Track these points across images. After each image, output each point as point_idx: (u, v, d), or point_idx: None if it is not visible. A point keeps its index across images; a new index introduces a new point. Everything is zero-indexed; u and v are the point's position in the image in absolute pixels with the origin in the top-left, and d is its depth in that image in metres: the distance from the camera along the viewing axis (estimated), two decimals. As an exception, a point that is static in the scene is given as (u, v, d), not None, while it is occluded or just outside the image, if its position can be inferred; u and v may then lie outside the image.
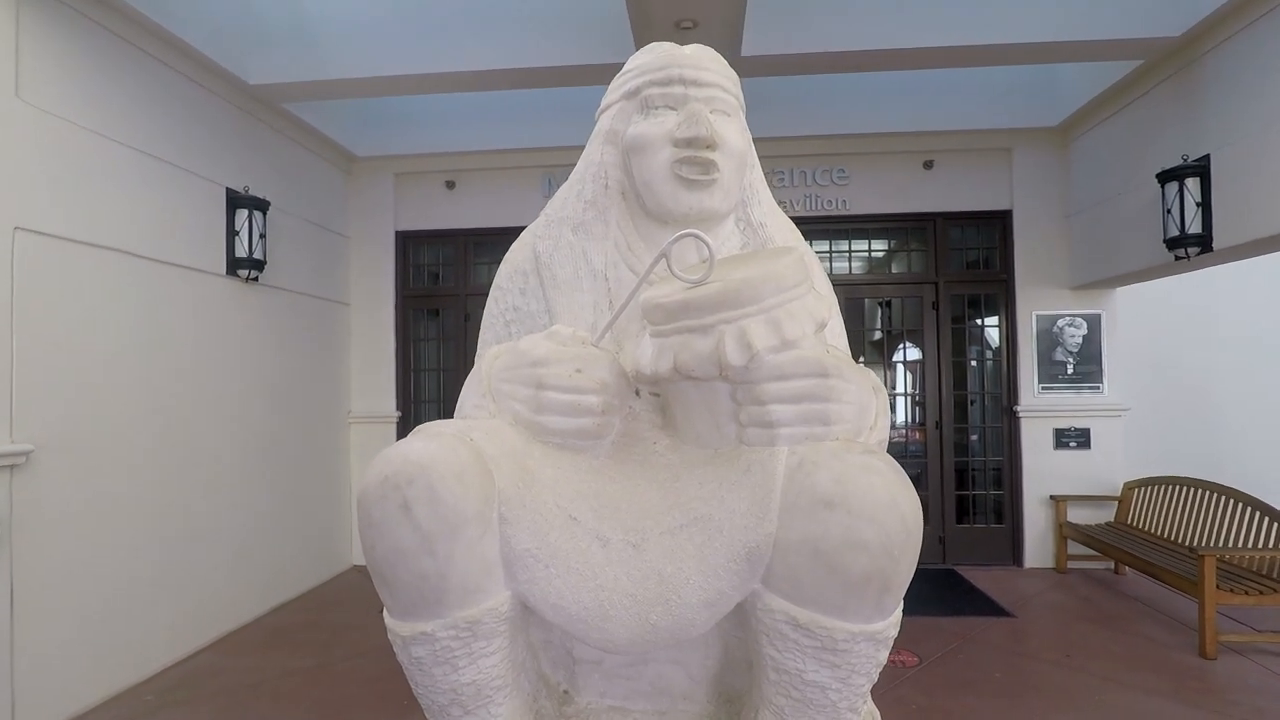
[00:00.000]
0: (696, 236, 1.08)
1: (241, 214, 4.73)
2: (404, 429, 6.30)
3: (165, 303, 4.15)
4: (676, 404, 1.19)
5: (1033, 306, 5.80)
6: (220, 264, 4.63)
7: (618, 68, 4.66)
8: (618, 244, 1.38)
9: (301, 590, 5.45)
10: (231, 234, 4.71)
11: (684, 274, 1.11)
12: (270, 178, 5.15)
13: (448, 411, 5.99)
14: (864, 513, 0.94)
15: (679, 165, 1.28)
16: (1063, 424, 5.76)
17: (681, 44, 4.17)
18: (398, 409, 6.27)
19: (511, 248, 1.50)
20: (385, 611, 1.12)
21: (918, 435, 6.13)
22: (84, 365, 3.58)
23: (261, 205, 4.85)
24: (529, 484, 1.09)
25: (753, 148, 1.45)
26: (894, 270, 6.33)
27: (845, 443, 1.05)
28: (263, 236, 4.84)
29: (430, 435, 1.07)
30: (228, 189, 4.70)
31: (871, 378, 1.20)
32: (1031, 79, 5.58)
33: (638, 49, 4.30)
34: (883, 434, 1.18)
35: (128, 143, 3.88)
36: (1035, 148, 5.82)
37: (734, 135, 1.33)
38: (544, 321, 1.38)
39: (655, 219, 1.35)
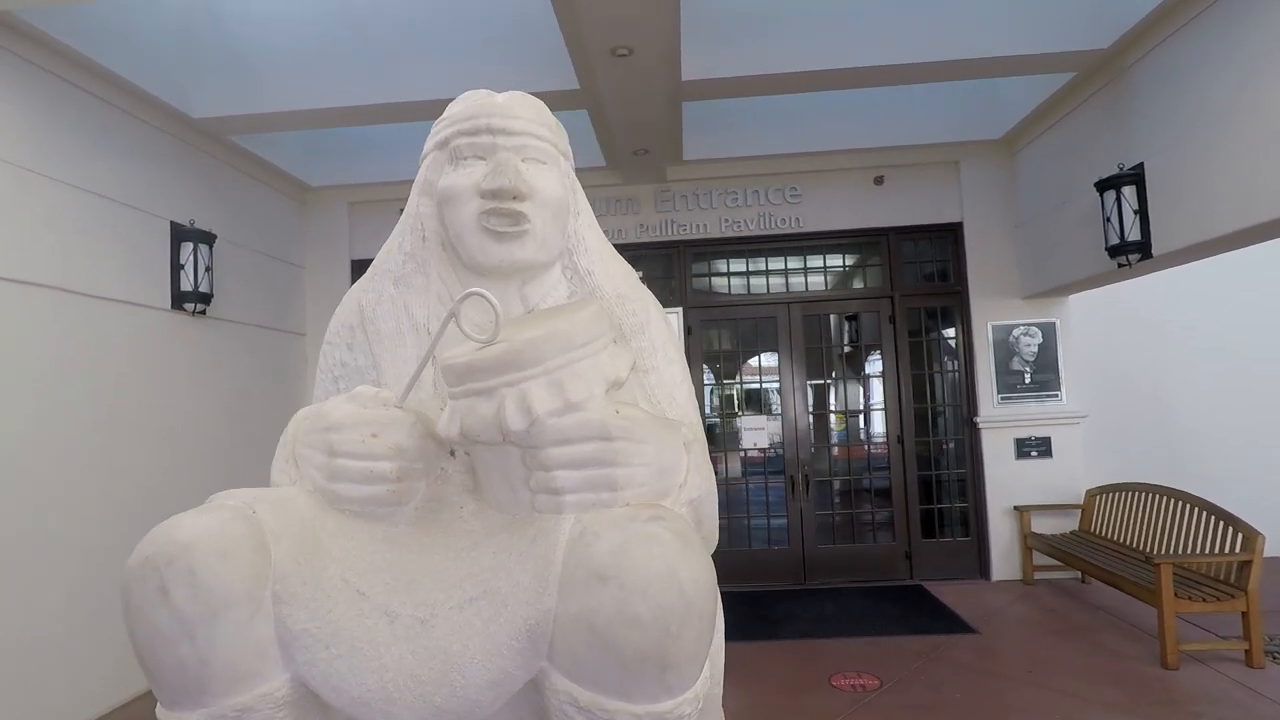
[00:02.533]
0: (482, 295, 1.04)
1: (187, 247, 4.68)
2: (364, 461, 6.20)
3: (105, 339, 4.09)
4: (478, 468, 1.16)
5: (987, 317, 5.82)
6: (165, 298, 4.57)
7: (561, 94, 4.68)
8: (440, 296, 1.35)
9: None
10: (177, 268, 4.66)
11: (474, 333, 1.08)
12: (219, 210, 5.11)
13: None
14: (637, 586, 0.89)
15: (485, 217, 1.25)
16: (1023, 433, 5.75)
17: (616, 70, 4.18)
18: (357, 441, 6.18)
19: (341, 301, 1.47)
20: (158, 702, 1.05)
21: (883, 449, 6.11)
22: (16, 404, 3.51)
23: (208, 238, 4.81)
24: (312, 557, 1.04)
25: (578, 194, 1.41)
26: (849, 286, 6.34)
27: (635, 508, 1.01)
28: (209, 269, 4.79)
29: (206, 509, 1.03)
30: (172, 223, 4.66)
31: (683, 434, 1.14)
32: (975, 93, 5.65)
33: (578, 77, 4.34)
34: (695, 492, 1.13)
35: (63, 179, 3.84)
36: (982, 160, 5.89)
37: (548, 184, 1.29)
38: (373, 376, 1.35)
39: (472, 271, 1.31)
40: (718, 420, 6.49)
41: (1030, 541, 5.55)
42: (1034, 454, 5.73)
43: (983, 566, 5.85)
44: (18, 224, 3.58)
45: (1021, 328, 5.79)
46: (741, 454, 6.19)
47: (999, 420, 5.77)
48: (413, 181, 5.44)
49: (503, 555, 1.04)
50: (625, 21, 3.61)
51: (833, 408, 6.31)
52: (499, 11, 4.51)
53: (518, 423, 1.00)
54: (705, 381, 6.25)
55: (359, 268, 6.34)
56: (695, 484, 1.13)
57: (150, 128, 4.52)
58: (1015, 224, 5.84)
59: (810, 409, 6.16)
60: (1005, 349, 5.79)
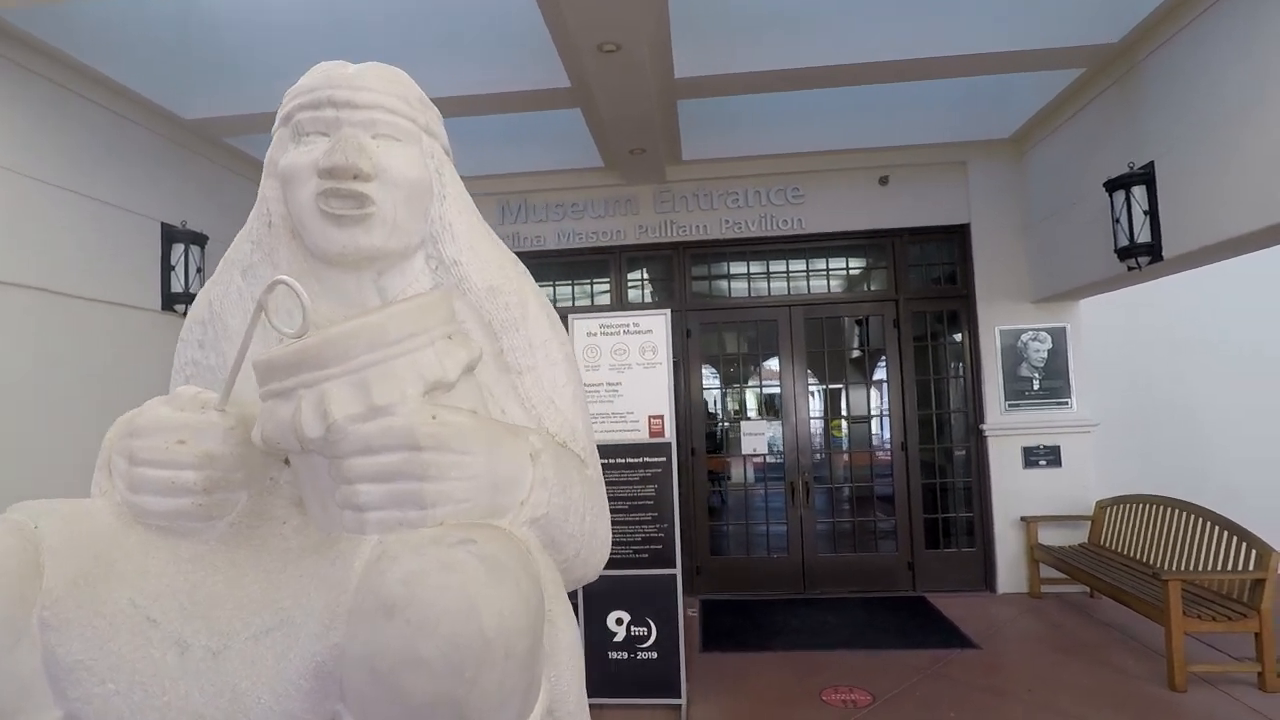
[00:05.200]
0: (287, 284, 0.93)
1: (178, 249, 4.67)
2: (360, 463, 6.17)
3: (92, 340, 4.09)
4: (296, 479, 1.04)
5: (995, 321, 5.65)
6: (155, 300, 4.56)
7: (552, 93, 4.57)
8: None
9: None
10: (167, 269, 4.65)
11: (283, 327, 0.97)
12: (213, 212, 5.10)
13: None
14: (427, 623, 0.76)
15: (323, 198, 1.10)
16: (1031, 442, 5.57)
17: (605, 67, 4.07)
18: (354, 442, 6.15)
19: (196, 296, 1.37)
20: None
21: (887, 456, 5.96)
22: (3, 405, 3.54)
23: (199, 239, 4.79)
24: (96, 580, 0.93)
25: (445, 176, 1.26)
26: (853, 289, 6.19)
27: (446, 529, 0.88)
28: (200, 270, 4.77)
29: None
30: (163, 224, 4.65)
31: (529, 443, 1.03)
32: (983, 91, 5.48)
33: (568, 74, 4.25)
34: (541, 509, 1.01)
35: (51, 181, 3.84)
36: (990, 160, 5.71)
37: (401, 163, 1.15)
38: (223, 376, 1.22)
39: (320, 260, 1.17)
40: (717, 426, 6.39)
41: (1037, 554, 5.37)
42: (1042, 463, 5.55)
43: (988, 579, 5.67)
44: (4, 226, 3.58)
45: (1030, 332, 5.61)
46: (741, 460, 6.07)
47: (1006, 428, 5.60)
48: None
49: (306, 579, 0.93)
50: (610, 17, 3.52)
51: (835, 413, 6.16)
52: (486, 9, 4.43)
53: (313, 428, 0.88)
54: (705, 386, 6.14)
55: (357, 269, 6.30)
56: (542, 500, 1.01)
57: (140, 129, 4.51)
58: (1024, 225, 5.66)
59: (812, 414, 6.02)
60: (1013, 354, 5.62)
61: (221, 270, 1.26)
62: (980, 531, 5.74)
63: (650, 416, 3.86)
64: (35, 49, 3.75)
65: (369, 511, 0.91)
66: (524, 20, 4.27)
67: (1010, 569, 5.57)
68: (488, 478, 0.94)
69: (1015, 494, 5.57)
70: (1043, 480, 5.55)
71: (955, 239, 5.90)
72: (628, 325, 3.87)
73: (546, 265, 6.21)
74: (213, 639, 0.90)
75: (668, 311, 3.89)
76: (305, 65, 4.42)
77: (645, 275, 6.28)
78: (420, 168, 1.19)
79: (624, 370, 3.86)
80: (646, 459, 3.84)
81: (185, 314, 4.67)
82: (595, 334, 3.88)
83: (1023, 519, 5.51)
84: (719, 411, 6.40)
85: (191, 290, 4.70)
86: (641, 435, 3.85)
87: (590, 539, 1.15)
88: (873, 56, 4.35)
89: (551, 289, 6.32)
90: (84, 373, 4.01)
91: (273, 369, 0.93)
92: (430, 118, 1.26)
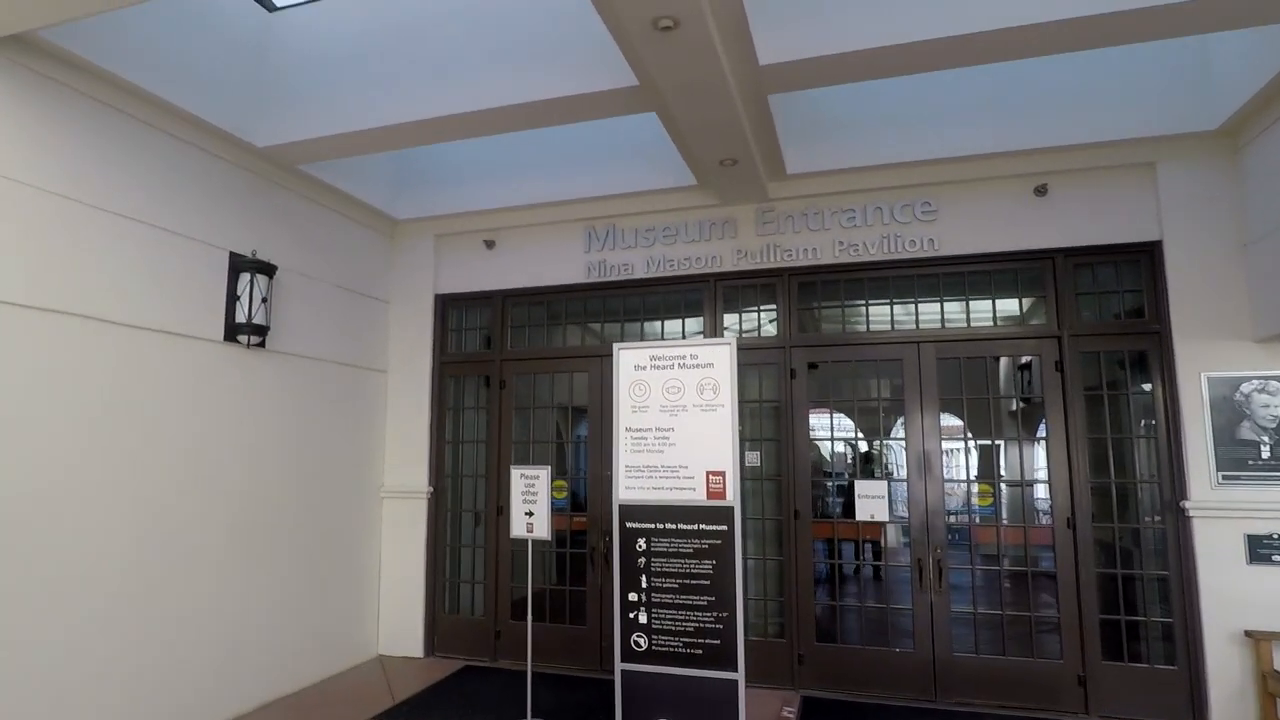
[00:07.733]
0: None
1: (244, 278, 4.54)
2: (435, 505, 5.80)
3: (149, 370, 3.98)
4: None
5: (1200, 366, 4.29)
6: (219, 330, 4.42)
7: (621, 94, 3.93)
8: None
9: (314, 680, 5.05)
10: (233, 299, 4.51)
11: None
12: (285, 241, 4.98)
13: (488, 489, 5.36)
14: None
15: None
16: (1259, 529, 4.12)
17: (666, 50, 3.39)
18: (430, 484, 5.79)
19: None
20: None
21: (1047, 533, 4.69)
22: (57, 437, 3.50)
23: (267, 269, 4.65)
24: None
25: None
26: (999, 324, 5.01)
27: None
28: (265, 300, 4.61)
29: None
30: (231, 253, 4.53)
31: None
32: (1177, 72, 4.28)
33: (631, 66, 3.67)
34: None
35: (108, 208, 3.77)
36: (1189, 159, 4.42)
37: None
38: None
39: None
40: (827, 484, 5.40)
41: (1271, 685, 3.90)
42: (1276, 558, 4.08)
43: (1196, 708, 4.21)
44: (61, 254, 3.54)
45: (1256, 382, 4.20)
46: (856, 527, 5.03)
47: (1220, 508, 4.19)
48: (497, 210, 5.08)
49: None
50: (661, -17, 2.89)
51: (978, 475, 4.98)
52: (541, 10, 4.02)
53: None
54: (813, 437, 5.19)
55: (442, 302, 6.04)
56: None
57: (211, 157, 4.42)
58: (1243, 241, 4.31)
59: (947, 475, 4.89)
60: (1230, 410, 4.23)
61: None
62: (1185, 644, 4.30)
63: (709, 473, 3.06)
64: (109, 82, 3.75)
65: None
66: (581, 19, 3.81)
67: (1230, 699, 4.10)
68: None
69: (1235, 597, 4.12)
70: (1277, 582, 4.07)
71: (1141, 261, 4.62)
72: (683, 358, 3.13)
73: (633, 298, 5.61)
74: None
75: (732, 341, 3.11)
76: (371, 87, 4.04)
77: (742, 306, 5.49)
78: None
79: (678, 413, 3.11)
80: (702, 526, 3.04)
81: (249, 344, 4.52)
82: (644, 367, 3.17)
83: (1247, 633, 4.05)
84: (831, 468, 5.41)
85: (255, 320, 4.54)
86: (697, 496, 3.06)
87: None
88: (1022, 19, 3.37)
89: (640, 325, 5.70)
90: (135, 403, 3.88)
91: None
92: None
